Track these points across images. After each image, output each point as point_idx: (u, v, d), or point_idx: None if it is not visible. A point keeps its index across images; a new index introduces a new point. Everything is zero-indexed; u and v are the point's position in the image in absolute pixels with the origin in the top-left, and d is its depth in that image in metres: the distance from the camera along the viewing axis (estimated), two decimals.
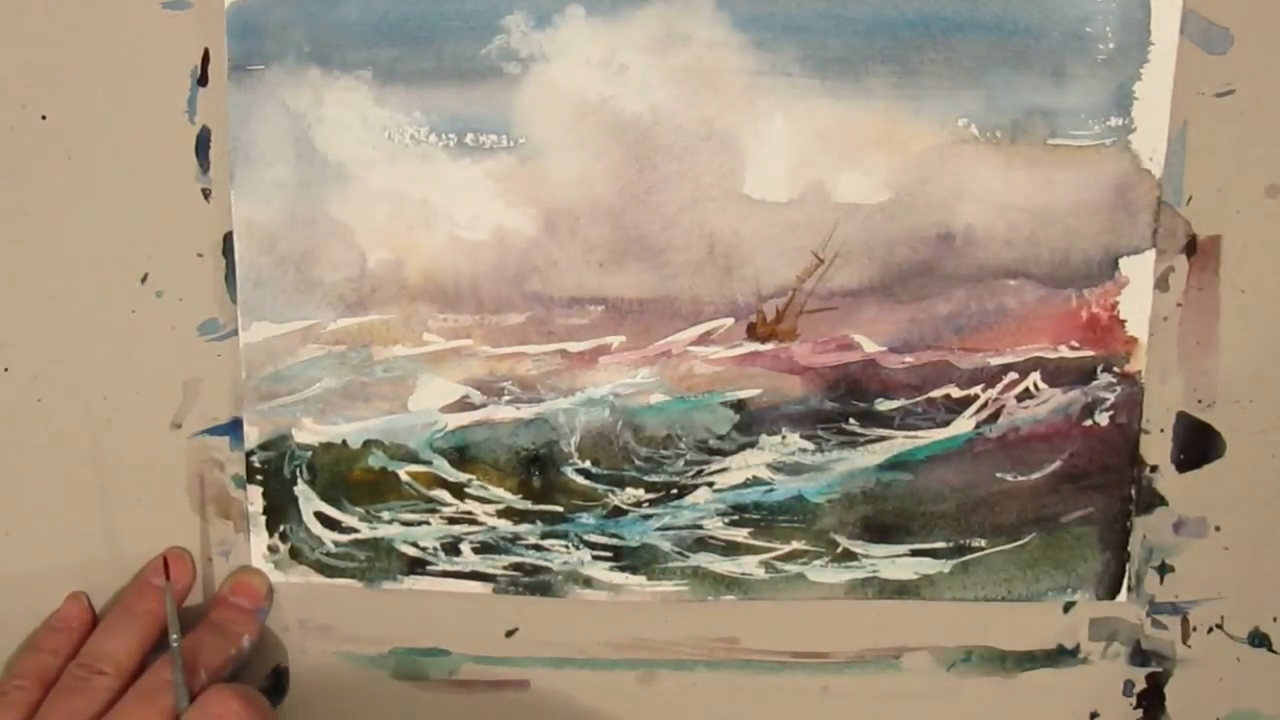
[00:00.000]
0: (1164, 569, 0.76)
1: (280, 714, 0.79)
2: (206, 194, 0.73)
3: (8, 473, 0.77)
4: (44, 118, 0.73)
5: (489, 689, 0.79)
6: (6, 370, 0.76)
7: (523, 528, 0.75)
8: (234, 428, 0.75)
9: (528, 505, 0.75)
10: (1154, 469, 0.75)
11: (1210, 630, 0.77)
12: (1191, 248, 0.73)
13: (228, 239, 0.73)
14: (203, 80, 0.72)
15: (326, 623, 0.78)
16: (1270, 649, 0.77)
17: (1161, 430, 0.75)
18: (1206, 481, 0.75)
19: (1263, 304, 0.74)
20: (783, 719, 0.79)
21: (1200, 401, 0.75)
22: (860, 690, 0.78)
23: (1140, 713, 0.78)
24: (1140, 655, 0.77)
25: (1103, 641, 0.77)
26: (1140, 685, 0.78)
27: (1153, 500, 0.75)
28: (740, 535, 0.75)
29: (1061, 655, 0.77)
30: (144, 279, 0.74)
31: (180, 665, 0.70)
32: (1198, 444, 0.75)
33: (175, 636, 0.71)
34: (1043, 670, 0.78)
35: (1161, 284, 0.73)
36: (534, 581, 0.76)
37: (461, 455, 0.75)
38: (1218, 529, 0.76)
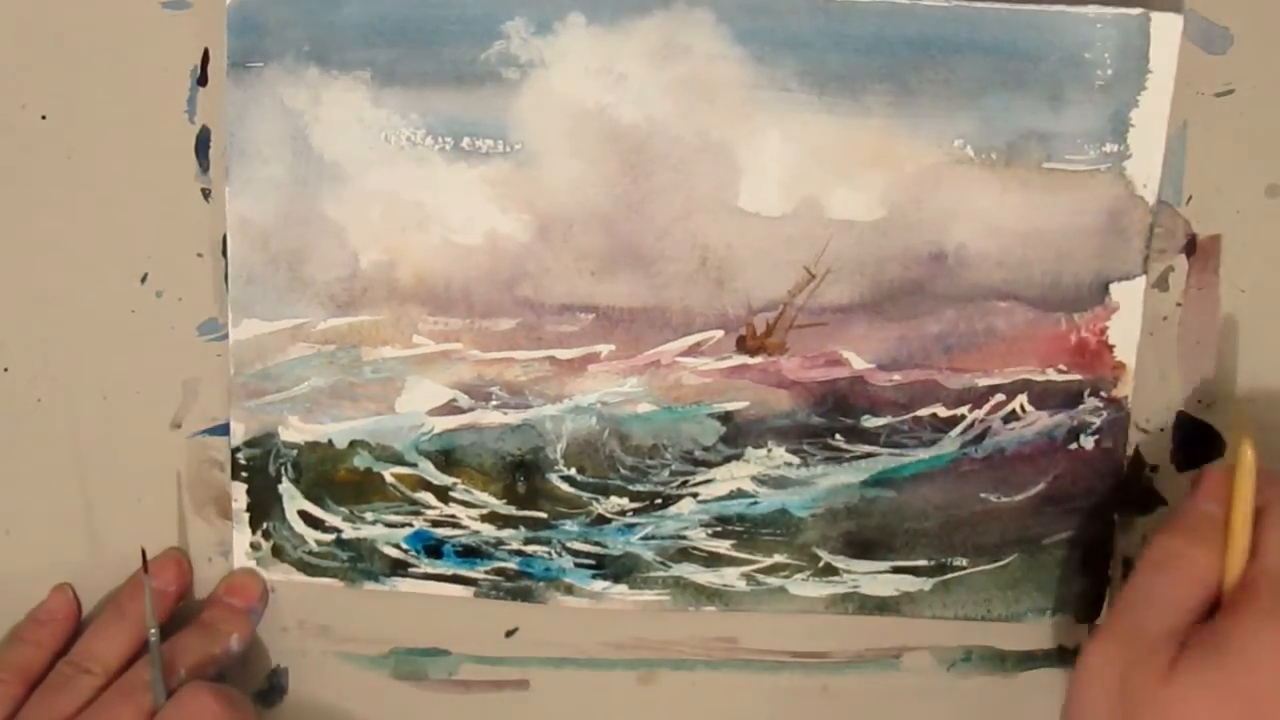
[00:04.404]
0: None
1: (280, 714, 0.79)
2: (206, 194, 0.73)
3: (7, 472, 0.77)
4: (44, 118, 0.73)
5: (489, 689, 0.79)
6: (6, 370, 0.75)
7: (505, 533, 0.75)
8: None
9: (512, 511, 0.75)
10: (1154, 469, 0.75)
11: None
12: (1191, 248, 0.73)
13: (227, 239, 0.73)
14: (203, 80, 0.72)
15: (326, 623, 0.78)
16: None
17: (1161, 430, 0.75)
18: None
19: (1263, 304, 0.74)
20: (783, 719, 0.79)
21: (1200, 401, 0.75)
22: (860, 690, 0.78)
23: None
24: None
25: None
26: None
27: (1153, 500, 0.76)
28: (723, 547, 0.75)
29: (1061, 655, 0.77)
30: (144, 279, 0.74)
31: (158, 660, 0.70)
32: (1198, 444, 0.75)
33: (153, 631, 0.71)
34: (1043, 670, 0.78)
35: (1161, 284, 0.73)
36: (515, 587, 0.76)
37: (447, 459, 0.75)
38: None
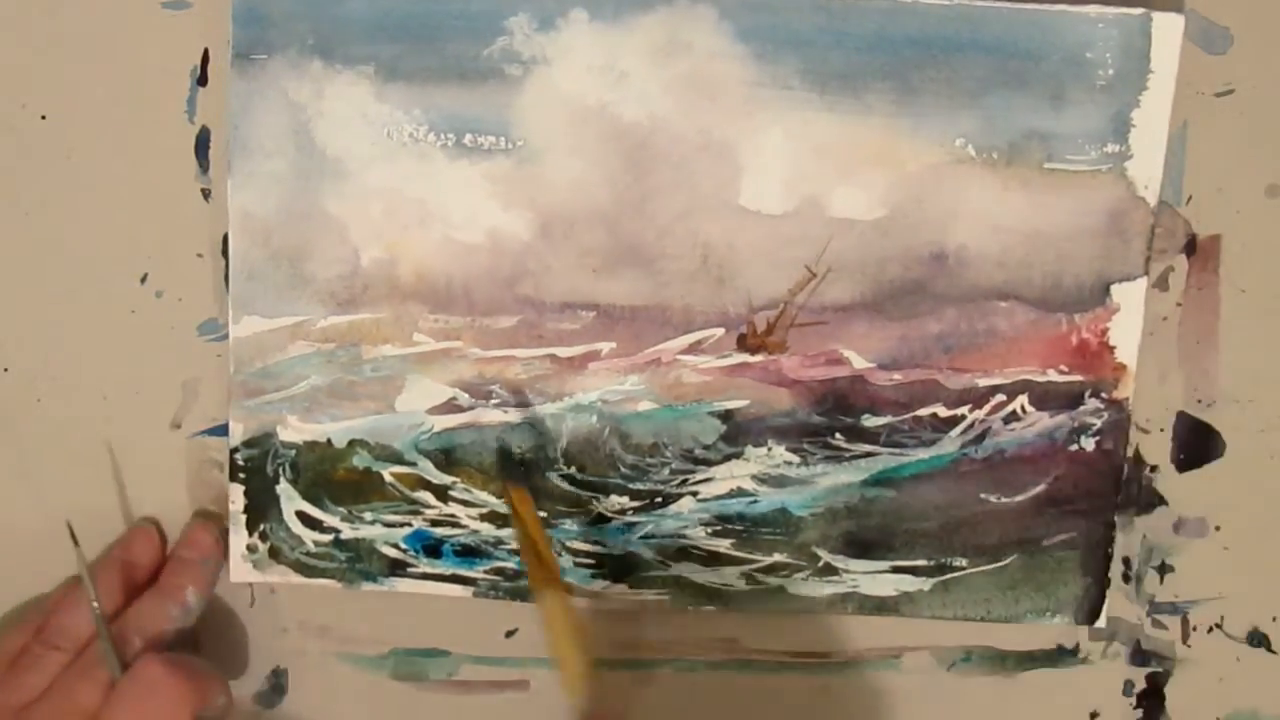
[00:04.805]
0: (1164, 569, 0.77)
1: (280, 714, 0.79)
2: (206, 194, 0.74)
3: (7, 472, 0.76)
4: (44, 118, 0.73)
5: (489, 689, 0.79)
6: (6, 370, 0.75)
7: (505, 532, 0.75)
8: None
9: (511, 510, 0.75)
10: (1154, 469, 0.76)
11: (1210, 630, 0.77)
12: (1191, 248, 0.73)
13: (227, 239, 0.73)
14: (203, 80, 0.73)
15: (326, 623, 0.78)
16: (1270, 649, 0.78)
17: (1161, 430, 0.75)
18: (1206, 481, 0.76)
19: (1263, 304, 0.74)
20: (783, 719, 0.79)
21: (1200, 401, 0.75)
22: (860, 690, 0.78)
23: (1140, 713, 0.78)
24: (1140, 655, 0.78)
25: (1103, 641, 0.78)
26: (1140, 685, 0.78)
27: (1153, 500, 0.76)
28: (722, 546, 0.75)
29: (1061, 655, 0.78)
30: (144, 279, 0.74)
31: (105, 634, 0.70)
32: (1198, 444, 0.75)
33: (95, 605, 0.70)
34: (1043, 670, 0.78)
35: (1161, 284, 0.74)
36: (515, 587, 0.76)
37: (447, 458, 0.75)
38: (1218, 529, 0.76)
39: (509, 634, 0.78)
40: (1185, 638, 0.78)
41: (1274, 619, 0.78)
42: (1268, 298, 0.74)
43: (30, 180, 0.74)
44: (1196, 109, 0.72)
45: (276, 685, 0.79)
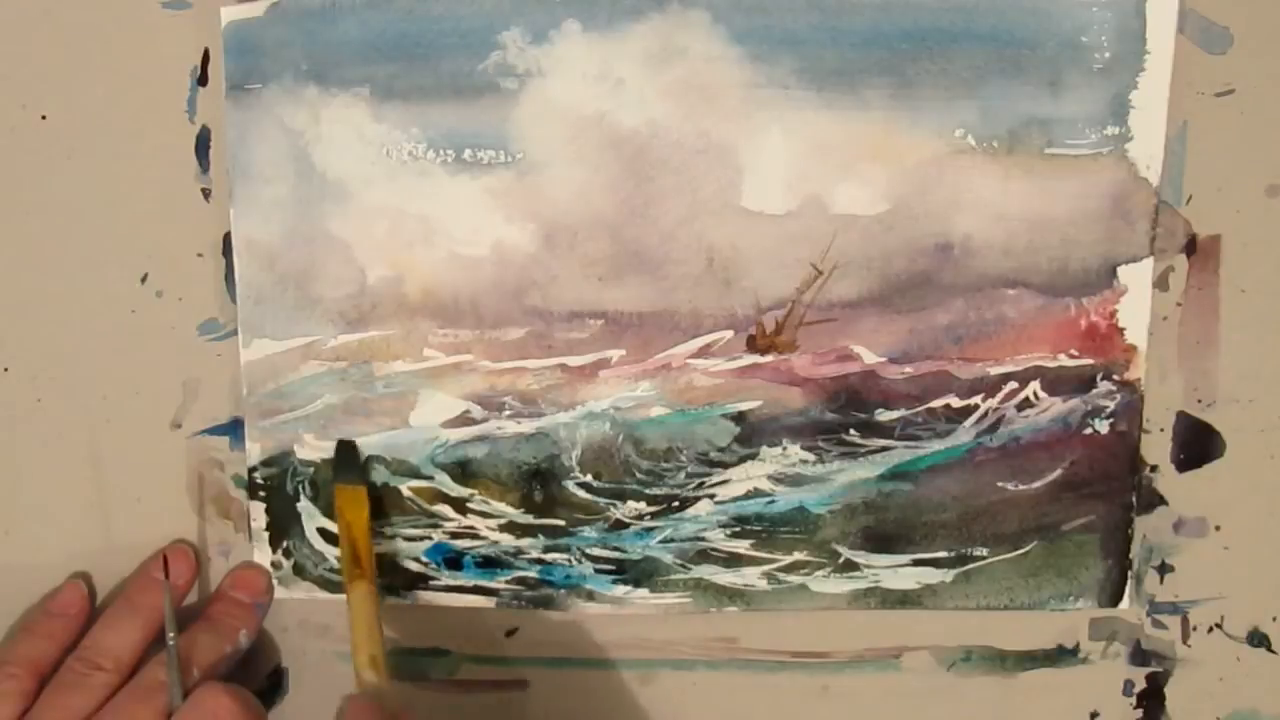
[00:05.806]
0: (1164, 569, 0.76)
1: (280, 714, 0.79)
2: (206, 194, 0.74)
3: (8, 472, 0.77)
4: (44, 118, 0.73)
5: (489, 689, 0.79)
6: (6, 370, 0.76)
7: (525, 542, 0.75)
8: (234, 428, 0.76)
9: (530, 520, 0.75)
10: (1154, 469, 0.75)
11: (1210, 630, 0.77)
12: (1191, 247, 0.73)
13: (227, 239, 0.73)
14: (203, 80, 0.73)
15: (326, 623, 0.78)
16: (1270, 649, 0.77)
17: (1161, 430, 0.75)
18: (1206, 481, 0.76)
19: (1263, 304, 0.74)
20: (783, 719, 0.79)
21: (1200, 401, 0.75)
22: (860, 690, 0.78)
23: (1140, 713, 0.78)
24: (1140, 655, 0.77)
25: (1103, 641, 0.77)
26: (1140, 685, 0.78)
27: (1153, 500, 0.76)
28: (742, 547, 0.75)
29: (1061, 655, 0.78)
30: (144, 279, 0.75)
31: (175, 664, 0.70)
32: (1198, 444, 0.75)
33: (172, 635, 0.71)
34: (1043, 670, 0.78)
35: (1161, 284, 0.73)
36: (536, 595, 0.76)
37: (463, 470, 0.75)
38: (1218, 529, 0.76)
39: (509, 633, 0.78)
40: (1185, 638, 0.77)
41: (1274, 619, 0.77)
42: (1268, 298, 0.74)
43: (30, 180, 0.74)
44: (1196, 109, 0.72)
45: (276, 684, 0.79)
